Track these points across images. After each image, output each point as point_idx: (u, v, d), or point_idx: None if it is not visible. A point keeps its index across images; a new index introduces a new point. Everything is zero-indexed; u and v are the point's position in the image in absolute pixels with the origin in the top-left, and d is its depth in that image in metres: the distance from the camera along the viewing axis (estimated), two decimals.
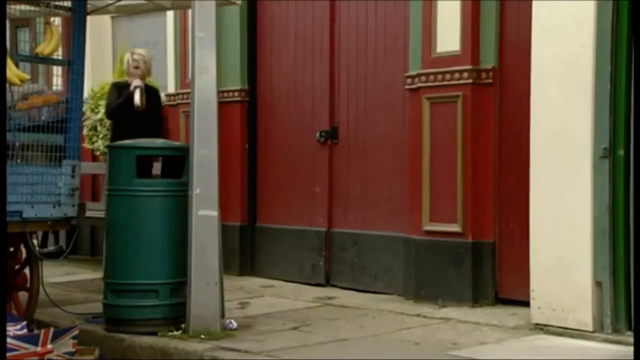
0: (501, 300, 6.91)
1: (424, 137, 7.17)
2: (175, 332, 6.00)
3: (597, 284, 5.76)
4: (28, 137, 6.47)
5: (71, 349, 5.49)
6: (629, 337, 5.53)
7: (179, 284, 6.09)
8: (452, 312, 6.72)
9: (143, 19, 10.07)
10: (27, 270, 6.75)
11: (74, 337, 5.51)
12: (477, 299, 6.92)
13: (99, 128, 9.59)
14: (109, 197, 6.27)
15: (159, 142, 6.46)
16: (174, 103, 9.35)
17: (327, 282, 8.19)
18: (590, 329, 5.75)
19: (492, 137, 6.93)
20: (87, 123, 9.48)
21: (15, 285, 6.68)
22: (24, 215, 6.34)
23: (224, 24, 8.60)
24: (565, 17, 5.89)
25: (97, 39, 10.47)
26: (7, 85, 6.24)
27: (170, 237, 6.12)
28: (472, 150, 6.93)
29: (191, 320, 5.96)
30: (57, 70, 7.52)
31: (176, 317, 6.08)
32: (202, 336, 5.90)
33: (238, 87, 8.90)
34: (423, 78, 7.18)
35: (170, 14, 9.48)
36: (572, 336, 5.79)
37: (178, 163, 6.23)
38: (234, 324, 6.21)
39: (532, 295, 6.06)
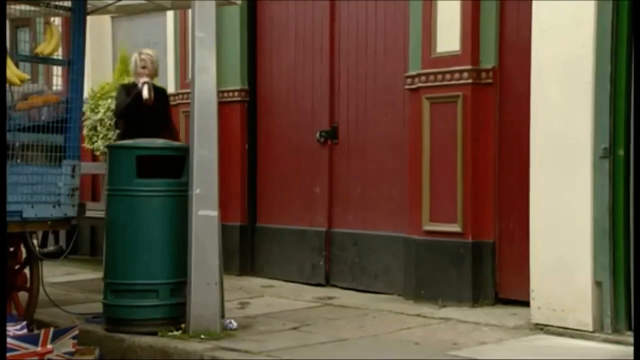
0: (501, 300, 6.91)
1: (424, 137, 7.17)
2: (175, 332, 6.00)
3: (597, 284, 5.76)
4: (28, 137, 6.47)
5: (71, 349, 5.49)
6: (629, 337, 5.53)
7: (179, 284, 6.09)
8: (452, 312, 6.72)
9: (143, 19, 10.07)
10: (27, 270, 6.75)
11: (74, 337, 5.51)
12: (477, 299, 6.92)
13: (99, 128, 9.59)
14: (109, 197, 6.27)
15: (159, 142, 6.46)
16: (174, 103, 9.32)
17: (327, 282, 8.19)
18: (590, 329, 5.75)
19: (492, 137, 6.93)
20: (87, 123, 9.48)
21: (15, 285, 6.68)
22: (24, 215, 6.34)
23: (224, 24, 8.60)
24: (565, 17, 5.89)
25: (97, 39, 10.47)
26: (7, 85, 6.24)
27: (170, 237, 6.13)
28: (472, 150, 6.93)
29: (191, 320, 5.96)
30: (57, 70, 7.52)
31: (176, 317, 6.08)
32: (202, 336, 5.90)
33: (238, 87, 8.90)
34: (423, 78, 7.18)
35: (170, 14, 9.48)
36: (572, 336, 5.79)
37: (178, 163, 6.23)
38: (234, 324, 6.21)
39: (532, 295, 6.06)
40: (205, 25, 6.10)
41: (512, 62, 6.83)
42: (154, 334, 6.00)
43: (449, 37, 7.01)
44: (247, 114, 8.94)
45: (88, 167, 9.40)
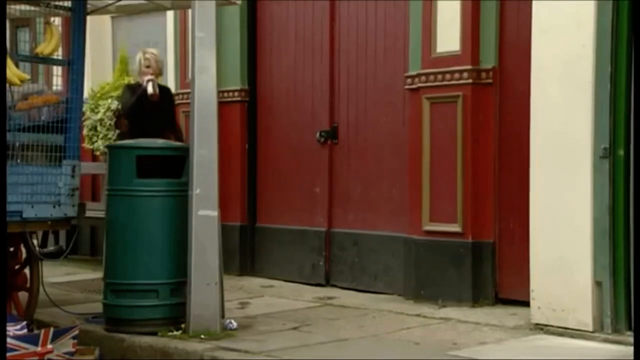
0: (501, 300, 6.91)
1: (424, 137, 7.17)
2: (175, 332, 6.00)
3: (597, 284, 5.76)
4: (28, 137, 6.46)
5: (71, 349, 5.49)
6: (629, 337, 5.53)
7: (179, 284, 6.09)
8: (452, 312, 6.72)
9: (143, 19, 10.07)
10: (27, 270, 6.75)
11: (74, 337, 5.50)
12: (477, 299, 6.92)
13: (99, 128, 9.60)
14: (109, 197, 6.27)
15: (159, 142, 6.45)
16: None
17: (327, 282, 8.19)
18: (590, 329, 5.75)
19: (492, 137, 6.93)
20: (87, 123, 9.48)
21: (15, 285, 6.68)
22: (24, 215, 6.34)
23: (224, 24, 8.60)
24: (565, 17, 5.89)
25: (97, 39, 10.46)
26: (7, 85, 6.23)
27: (170, 237, 6.13)
28: (472, 150, 6.93)
29: (191, 320, 5.96)
30: (57, 70, 7.52)
31: (176, 317, 6.08)
32: (202, 336, 5.90)
33: (238, 87, 8.90)
34: (423, 78, 7.18)
35: (170, 14, 9.48)
36: (572, 336, 5.79)
37: (178, 163, 6.23)
38: (234, 324, 6.21)
39: (532, 295, 6.06)
40: (205, 25, 6.10)
41: (512, 62, 6.83)
42: (154, 334, 6.00)
43: (449, 37, 7.01)
44: (247, 114, 8.94)
45: (88, 167, 9.40)
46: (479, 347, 5.67)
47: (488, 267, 6.93)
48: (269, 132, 8.84)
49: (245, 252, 8.89)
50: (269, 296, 7.76)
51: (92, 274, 8.66)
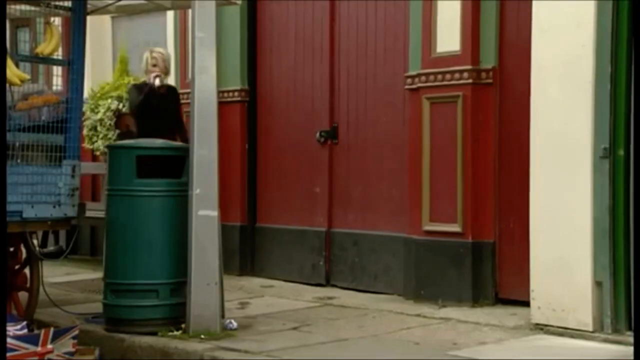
0: (501, 300, 6.91)
1: (424, 137, 7.17)
2: (175, 332, 6.00)
3: (597, 284, 5.76)
4: (28, 137, 6.46)
5: (71, 349, 5.49)
6: (629, 337, 5.53)
7: (179, 284, 6.09)
8: (452, 312, 6.72)
9: (143, 19, 10.07)
10: (27, 270, 6.75)
11: (74, 337, 5.51)
12: (477, 299, 6.92)
13: (99, 128, 9.60)
14: (109, 197, 6.27)
15: (158, 142, 6.45)
16: None
17: (327, 282, 8.19)
18: (590, 329, 5.75)
19: (492, 137, 6.93)
20: (87, 123, 9.48)
21: (15, 285, 6.68)
22: (24, 215, 6.34)
23: (224, 24, 8.60)
24: (565, 17, 5.89)
25: (97, 39, 10.46)
26: (7, 85, 6.23)
27: (170, 237, 6.13)
28: (472, 150, 6.93)
29: (191, 320, 5.96)
30: (57, 70, 7.52)
31: (176, 317, 6.08)
32: (202, 336, 5.90)
33: (238, 87, 8.90)
34: (423, 78, 7.18)
35: (170, 14, 9.48)
36: (572, 336, 5.79)
37: (178, 163, 6.23)
38: (234, 324, 6.21)
39: (532, 295, 6.06)
40: (205, 25, 6.10)
41: (512, 62, 6.83)
42: (154, 334, 6.00)
43: (449, 37, 7.01)
44: (247, 114, 8.94)
45: (88, 167, 9.40)
46: (479, 347, 5.67)
47: (488, 267, 6.93)
48: (269, 132, 8.83)
49: (245, 252, 8.89)
50: (269, 296, 7.76)
51: (92, 274, 8.66)
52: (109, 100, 9.42)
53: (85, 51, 6.79)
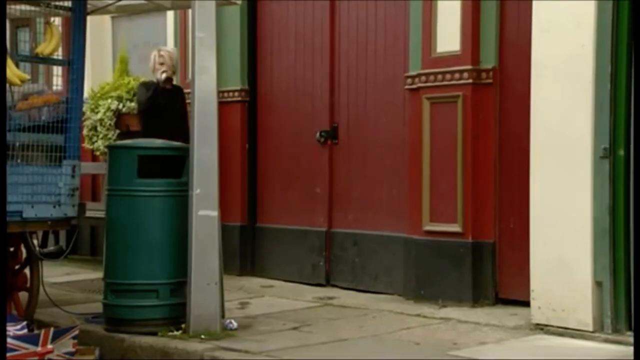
0: (501, 300, 6.91)
1: (424, 137, 7.17)
2: (175, 332, 6.00)
3: (597, 284, 5.76)
4: (28, 137, 6.46)
5: (71, 349, 5.49)
6: (629, 337, 5.53)
7: (179, 284, 6.09)
8: (452, 312, 6.72)
9: (143, 19, 10.07)
10: (27, 270, 6.75)
11: (74, 337, 5.51)
12: (477, 299, 6.92)
13: (99, 128, 9.59)
14: (109, 197, 6.27)
15: (158, 142, 6.45)
16: None
17: (327, 282, 8.19)
18: (591, 329, 5.75)
19: (492, 137, 6.93)
20: (87, 123, 9.47)
21: (15, 285, 6.68)
22: (24, 215, 6.34)
23: (224, 24, 8.60)
24: (565, 17, 5.89)
25: (97, 39, 10.46)
26: (7, 85, 6.23)
27: (170, 237, 6.12)
28: (472, 151, 6.93)
29: (191, 320, 5.96)
30: (57, 70, 7.52)
31: (176, 317, 6.08)
32: (202, 336, 5.90)
33: (238, 87, 8.90)
34: (423, 78, 7.18)
35: (170, 14, 9.47)
36: (572, 336, 5.79)
37: (178, 163, 6.22)
38: (234, 324, 6.21)
39: (532, 295, 6.06)
40: (205, 25, 6.10)
41: (512, 62, 6.83)
42: (154, 334, 6.00)
43: (449, 37, 7.00)
44: (247, 114, 8.94)
45: (88, 167, 9.40)
46: (479, 347, 5.67)
47: (488, 267, 6.93)
48: (269, 132, 8.83)
49: (245, 252, 8.88)
50: (269, 296, 7.76)
51: (92, 274, 8.66)
52: (109, 100, 9.41)
53: (85, 51, 6.79)
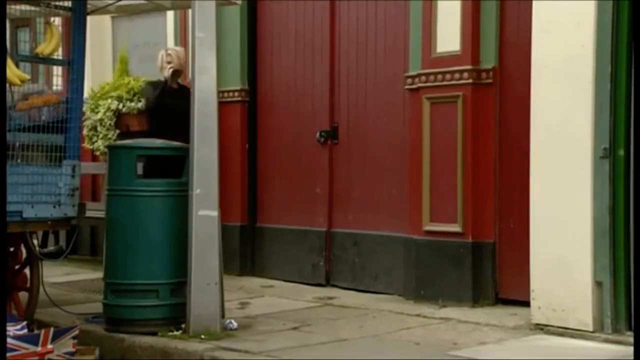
0: (501, 300, 6.91)
1: (424, 137, 7.17)
2: (175, 332, 6.00)
3: (597, 284, 5.76)
4: (28, 137, 6.46)
5: (71, 349, 5.49)
6: (629, 337, 5.53)
7: (179, 284, 6.09)
8: (452, 312, 6.72)
9: (143, 19, 10.07)
10: (27, 270, 6.75)
11: (74, 337, 5.51)
12: (477, 299, 6.92)
13: (99, 128, 9.58)
14: (109, 197, 6.27)
15: (158, 142, 6.46)
16: None
17: (328, 282, 8.19)
18: (591, 329, 5.75)
19: (492, 137, 6.93)
20: (87, 123, 9.47)
21: (15, 285, 6.68)
22: (24, 215, 6.33)
23: (224, 24, 8.60)
24: (565, 17, 5.89)
25: (97, 39, 10.46)
26: (7, 85, 6.23)
27: (170, 237, 6.12)
28: (472, 151, 6.93)
29: (191, 320, 5.96)
30: (57, 70, 7.52)
31: (176, 317, 6.08)
32: (202, 336, 5.90)
33: (238, 87, 8.90)
34: (423, 78, 7.18)
35: (170, 14, 9.47)
36: (572, 336, 5.79)
37: (178, 163, 6.23)
38: (234, 324, 6.21)
39: (532, 295, 6.06)
40: (205, 25, 6.10)
41: (512, 62, 6.83)
42: (154, 334, 6.00)
43: (449, 37, 7.00)
44: (247, 114, 8.94)
45: (88, 167, 9.40)
46: (479, 347, 5.67)
47: (488, 267, 6.93)
48: (269, 132, 8.83)
49: (245, 252, 8.88)
50: (269, 296, 7.76)
51: (92, 274, 8.66)
52: (109, 100, 9.40)
53: (85, 51, 6.79)
